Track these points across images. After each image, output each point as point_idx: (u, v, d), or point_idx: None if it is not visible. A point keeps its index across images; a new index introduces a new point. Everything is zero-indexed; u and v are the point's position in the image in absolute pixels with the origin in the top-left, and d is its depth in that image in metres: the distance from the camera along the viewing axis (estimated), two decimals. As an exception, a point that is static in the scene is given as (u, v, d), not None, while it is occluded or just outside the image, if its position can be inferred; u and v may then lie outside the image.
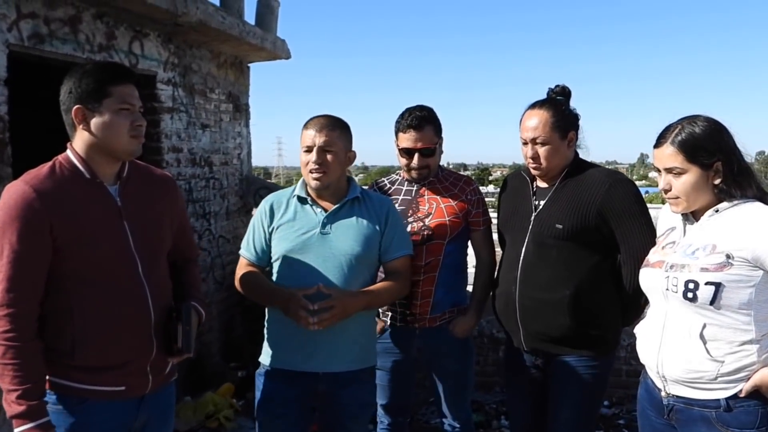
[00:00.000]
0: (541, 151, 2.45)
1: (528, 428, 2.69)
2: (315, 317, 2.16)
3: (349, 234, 2.33)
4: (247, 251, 2.45)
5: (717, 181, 1.89)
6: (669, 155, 1.92)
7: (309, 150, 2.32)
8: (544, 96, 2.55)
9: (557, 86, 2.55)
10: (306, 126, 2.37)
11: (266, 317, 2.46)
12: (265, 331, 2.45)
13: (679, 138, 1.91)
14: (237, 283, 2.48)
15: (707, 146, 1.88)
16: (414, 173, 2.76)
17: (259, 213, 2.44)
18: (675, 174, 1.93)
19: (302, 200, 2.39)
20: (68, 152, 1.90)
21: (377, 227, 2.37)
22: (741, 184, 1.88)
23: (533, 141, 2.45)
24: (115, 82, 1.87)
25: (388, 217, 2.41)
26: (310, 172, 2.32)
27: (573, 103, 2.55)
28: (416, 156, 2.71)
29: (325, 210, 2.36)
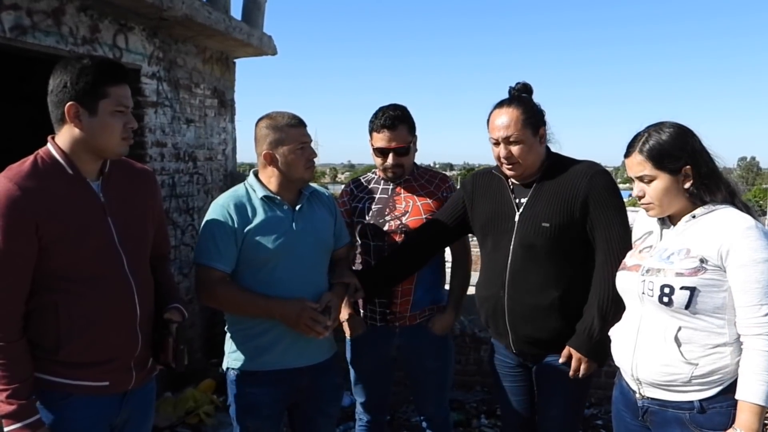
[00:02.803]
0: (515, 150, 2.39)
1: (521, 427, 2.68)
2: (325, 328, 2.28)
3: (318, 227, 2.42)
4: (219, 263, 2.27)
5: (687, 185, 1.93)
6: (638, 163, 1.97)
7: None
8: (506, 95, 2.49)
9: (518, 84, 2.50)
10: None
11: (230, 324, 2.42)
12: (235, 336, 2.39)
13: (646, 146, 1.95)
14: (213, 301, 2.33)
15: (673, 152, 1.92)
16: (388, 173, 2.77)
17: (221, 219, 2.28)
18: (646, 181, 1.97)
19: (270, 199, 2.34)
20: (49, 147, 1.87)
21: (331, 217, 2.50)
22: (710, 187, 1.92)
23: (506, 140, 2.39)
24: (113, 82, 1.85)
25: (335, 207, 2.55)
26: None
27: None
28: (390, 155, 2.72)
29: (291, 207, 2.37)
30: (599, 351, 2.34)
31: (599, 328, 2.30)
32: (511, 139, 2.39)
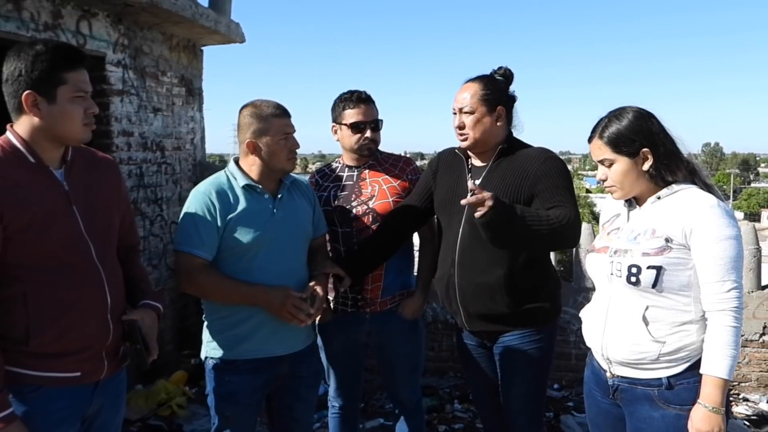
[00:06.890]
0: (467, 120, 2.48)
1: (493, 407, 2.71)
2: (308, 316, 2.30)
3: (298, 216, 2.42)
4: (201, 250, 2.25)
5: (646, 167, 1.98)
6: (598, 148, 2.03)
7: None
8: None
9: (501, 68, 2.58)
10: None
11: (208, 313, 2.41)
12: (213, 325, 2.39)
13: (606, 132, 2.01)
14: (195, 289, 2.32)
15: (629, 136, 1.97)
16: (364, 149, 2.78)
17: (203, 206, 2.27)
18: (607, 165, 2.03)
19: (251, 188, 2.34)
20: (9, 135, 1.82)
21: (310, 206, 2.51)
22: (669, 167, 1.97)
23: (460, 110, 2.49)
24: (70, 67, 1.80)
25: (314, 196, 2.57)
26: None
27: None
28: (368, 129, 2.75)
29: (272, 195, 2.37)
30: (507, 214, 2.20)
31: (521, 211, 2.26)
32: (464, 110, 2.49)
